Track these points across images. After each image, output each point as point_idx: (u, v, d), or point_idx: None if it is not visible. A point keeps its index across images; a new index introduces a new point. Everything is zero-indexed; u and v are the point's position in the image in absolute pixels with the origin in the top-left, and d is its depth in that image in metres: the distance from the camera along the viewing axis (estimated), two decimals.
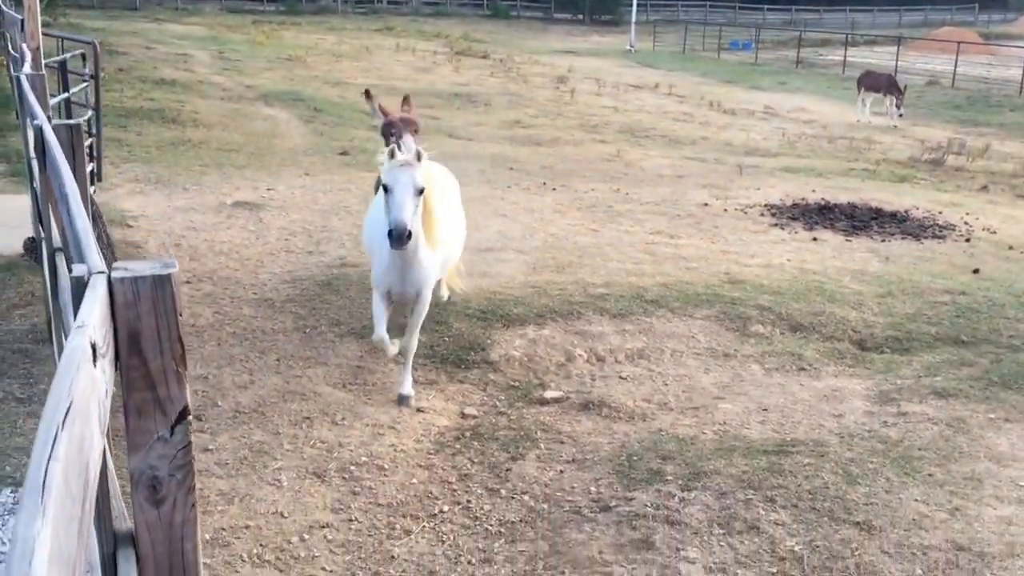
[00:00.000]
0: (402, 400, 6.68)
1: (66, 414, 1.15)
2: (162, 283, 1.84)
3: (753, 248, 11.38)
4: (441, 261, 6.80)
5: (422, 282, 6.57)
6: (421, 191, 5.96)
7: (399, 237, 5.82)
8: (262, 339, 7.71)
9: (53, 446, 1.06)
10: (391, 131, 7.28)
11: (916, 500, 5.47)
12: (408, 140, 6.92)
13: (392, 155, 5.96)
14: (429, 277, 6.63)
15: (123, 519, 2.17)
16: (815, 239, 12.05)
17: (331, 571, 4.77)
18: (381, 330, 6.60)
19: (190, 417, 1.93)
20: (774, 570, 4.78)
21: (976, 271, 10.83)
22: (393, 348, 6.76)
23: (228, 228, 10.99)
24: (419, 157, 5.97)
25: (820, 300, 9.18)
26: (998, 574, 4.76)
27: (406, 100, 7.83)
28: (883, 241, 12.20)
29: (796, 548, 4.95)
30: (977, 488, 5.64)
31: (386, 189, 5.95)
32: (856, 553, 4.91)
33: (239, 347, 7.51)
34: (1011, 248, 12.19)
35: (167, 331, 1.87)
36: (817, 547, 4.97)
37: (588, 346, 7.87)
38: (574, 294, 8.96)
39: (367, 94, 7.87)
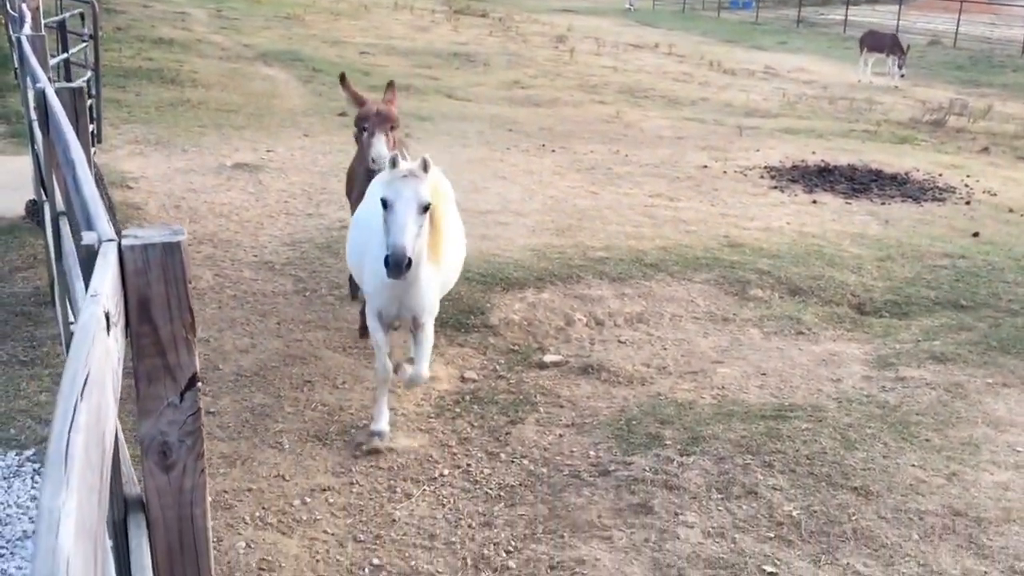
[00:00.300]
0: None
1: (84, 385, 1.16)
2: (172, 250, 1.85)
3: (752, 211, 11.38)
4: (442, 281, 5.85)
5: (422, 307, 5.64)
6: (427, 208, 5.06)
7: (397, 266, 4.91)
8: (263, 302, 7.73)
9: (73, 417, 1.07)
10: (363, 126, 6.43)
11: (913, 465, 5.51)
12: (379, 142, 6.17)
13: (393, 163, 5.06)
14: (430, 300, 5.69)
15: (133, 484, 2.19)
16: (815, 202, 12.04)
17: (333, 534, 4.81)
18: (385, 360, 5.79)
19: (199, 384, 1.94)
20: (772, 534, 4.83)
21: (976, 234, 10.85)
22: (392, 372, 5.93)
23: (228, 190, 10.97)
24: (425, 167, 5.07)
25: (819, 264, 9.19)
26: (994, 539, 4.81)
27: (390, 86, 6.84)
28: (883, 204, 12.19)
29: (794, 513, 5.00)
30: (974, 453, 5.69)
31: (384, 205, 5.04)
32: (853, 518, 4.97)
33: (240, 310, 7.53)
34: (1011, 211, 12.19)
35: (177, 298, 1.88)
36: (814, 512, 5.02)
37: (587, 310, 7.89)
38: (573, 257, 8.97)
39: (342, 79, 6.96)
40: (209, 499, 2.01)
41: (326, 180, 11.63)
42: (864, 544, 4.75)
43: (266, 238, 9.30)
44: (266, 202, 10.58)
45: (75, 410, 1.10)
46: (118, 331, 1.64)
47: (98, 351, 1.30)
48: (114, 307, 1.61)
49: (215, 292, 7.84)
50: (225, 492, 5.07)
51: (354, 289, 7.23)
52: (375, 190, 5.63)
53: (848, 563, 4.59)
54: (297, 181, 11.54)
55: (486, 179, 11.98)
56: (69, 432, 1.03)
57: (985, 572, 4.54)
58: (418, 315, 5.65)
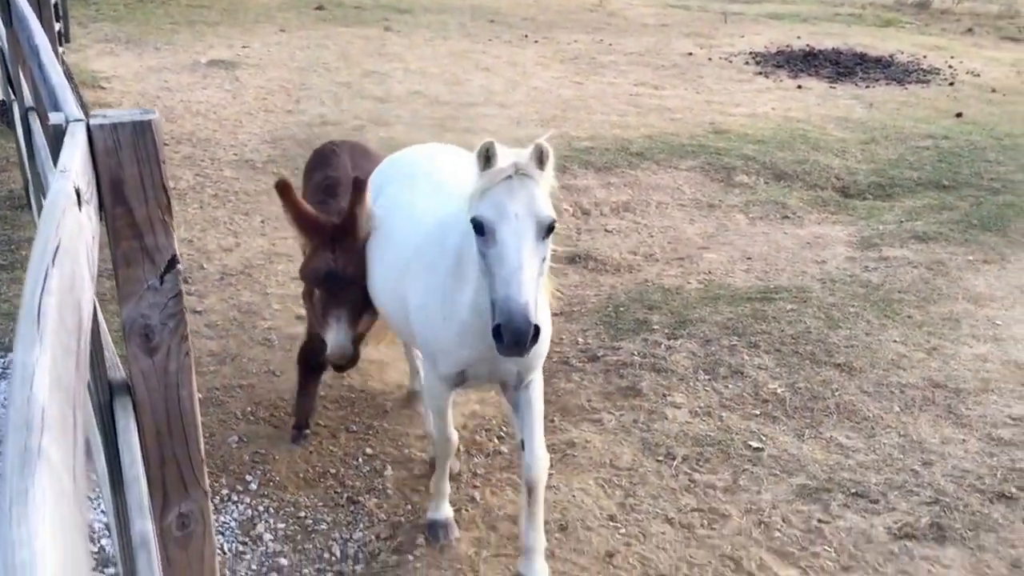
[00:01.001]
0: None
1: (55, 253, 1.15)
2: (142, 129, 1.80)
3: (738, 97, 11.28)
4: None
5: (538, 355, 3.54)
6: (550, 229, 3.05)
7: (518, 343, 2.91)
8: (245, 201, 7.66)
9: (45, 281, 1.06)
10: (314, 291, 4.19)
11: (895, 341, 5.58)
12: (340, 331, 3.96)
13: (487, 157, 3.09)
14: (547, 342, 3.62)
15: (117, 369, 2.19)
16: (799, 87, 11.94)
17: (326, 425, 4.86)
18: (450, 427, 3.94)
19: (179, 266, 1.92)
20: (757, 412, 4.90)
21: (959, 115, 10.80)
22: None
23: (204, 88, 10.79)
24: (542, 158, 3.10)
25: (804, 148, 9.15)
26: (972, 408, 4.90)
27: (357, 187, 4.01)
28: (867, 87, 12.10)
29: (779, 390, 5.07)
30: (954, 328, 5.76)
31: (480, 230, 3.05)
32: (836, 393, 5.04)
33: (222, 209, 7.47)
34: (994, 91, 12.12)
35: (151, 179, 1.84)
36: (799, 389, 5.09)
37: (573, 200, 7.86)
38: (559, 148, 8.81)
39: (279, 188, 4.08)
40: (198, 391, 2.01)
41: (305, 76, 11.43)
42: (847, 418, 4.83)
43: (245, 136, 9.18)
44: (244, 99, 10.41)
45: (46, 275, 1.08)
46: (91, 209, 1.61)
47: (68, 223, 1.28)
48: (85, 184, 1.58)
49: (196, 192, 7.76)
50: (216, 389, 5.09)
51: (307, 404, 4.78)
52: (385, 184, 4.19)
53: (831, 436, 4.67)
54: (275, 77, 11.35)
55: (468, 71, 11.81)
56: (41, 294, 1.02)
57: (963, 439, 4.63)
58: (530, 368, 3.60)
